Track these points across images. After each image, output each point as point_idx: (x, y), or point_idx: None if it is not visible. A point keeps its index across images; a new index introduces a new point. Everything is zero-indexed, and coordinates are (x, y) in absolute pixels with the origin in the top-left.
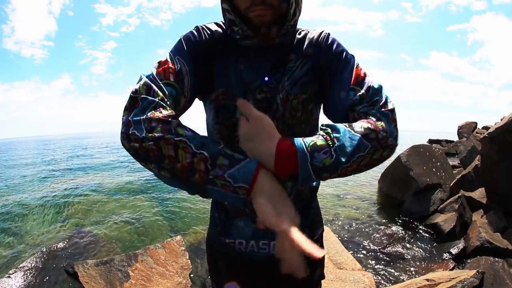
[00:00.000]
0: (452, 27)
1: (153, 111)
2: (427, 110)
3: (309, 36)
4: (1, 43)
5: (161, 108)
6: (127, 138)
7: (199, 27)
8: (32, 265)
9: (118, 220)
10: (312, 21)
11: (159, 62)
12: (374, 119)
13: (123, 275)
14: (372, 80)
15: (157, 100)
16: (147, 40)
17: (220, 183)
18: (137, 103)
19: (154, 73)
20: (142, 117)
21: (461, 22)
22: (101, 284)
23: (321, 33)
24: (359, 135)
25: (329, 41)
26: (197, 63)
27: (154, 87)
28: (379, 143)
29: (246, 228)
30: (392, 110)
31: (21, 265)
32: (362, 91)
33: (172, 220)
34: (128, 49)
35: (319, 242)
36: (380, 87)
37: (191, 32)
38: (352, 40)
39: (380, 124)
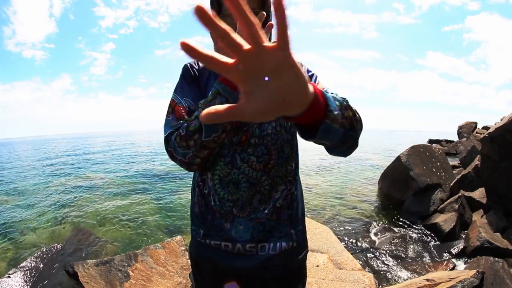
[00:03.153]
0: (447, 28)
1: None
2: (427, 110)
3: None
4: (3, 44)
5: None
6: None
7: (190, 63)
8: (32, 265)
9: (118, 220)
10: (306, 24)
11: (171, 106)
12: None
13: (123, 275)
14: (333, 91)
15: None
16: (146, 42)
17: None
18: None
19: (172, 119)
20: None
21: (456, 23)
22: (101, 284)
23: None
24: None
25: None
26: (198, 90)
27: (174, 131)
28: (352, 109)
29: (233, 230)
30: (347, 100)
31: (21, 265)
32: None
33: (172, 220)
34: (127, 51)
35: (302, 238)
36: (336, 94)
37: (185, 69)
38: (347, 41)
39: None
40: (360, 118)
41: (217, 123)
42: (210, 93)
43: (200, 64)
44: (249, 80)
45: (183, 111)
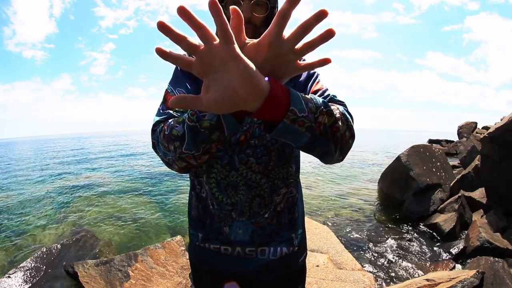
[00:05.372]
0: (447, 28)
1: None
2: (427, 110)
3: None
4: (3, 44)
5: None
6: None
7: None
8: (32, 265)
9: (118, 220)
10: None
11: (164, 97)
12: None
13: (123, 275)
14: (330, 91)
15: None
16: (145, 42)
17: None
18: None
19: (162, 108)
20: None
21: (456, 23)
22: (101, 284)
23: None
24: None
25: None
26: (194, 84)
27: (162, 121)
28: (340, 114)
29: (232, 234)
30: (345, 105)
31: (21, 265)
32: (320, 92)
33: (172, 220)
34: (127, 51)
35: (302, 241)
36: (335, 96)
37: None
38: (347, 41)
39: (339, 106)
40: (350, 126)
41: (199, 141)
42: None
43: None
44: (208, 75)
45: None
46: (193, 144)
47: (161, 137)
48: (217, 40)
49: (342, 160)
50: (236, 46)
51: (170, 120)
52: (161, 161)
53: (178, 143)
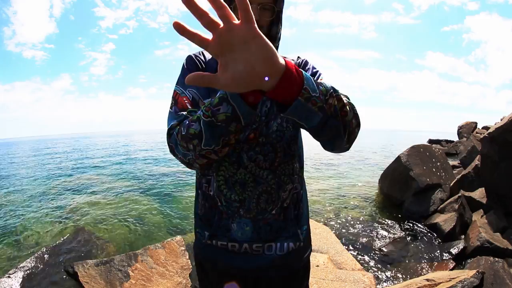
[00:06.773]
0: (447, 28)
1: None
2: (426, 110)
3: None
4: (3, 44)
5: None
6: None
7: (194, 54)
8: (32, 265)
9: (118, 220)
10: (306, 24)
11: (174, 99)
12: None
13: (123, 275)
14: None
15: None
16: (145, 42)
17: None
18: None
19: (174, 110)
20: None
21: (455, 23)
22: (101, 284)
23: (298, 57)
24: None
25: (306, 63)
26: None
27: (177, 123)
28: (347, 101)
29: (239, 231)
30: (349, 98)
31: (21, 265)
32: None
33: (172, 220)
34: (127, 51)
35: (307, 237)
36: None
37: (189, 60)
38: (347, 42)
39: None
40: (356, 114)
41: (218, 134)
42: (216, 95)
43: (206, 56)
44: (225, 54)
45: (186, 101)
46: (212, 139)
47: (179, 139)
48: (237, 20)
49: (348, 148)
50: (256, 26)
51: (185, 121)
52: (176, 164)
53: (196, 141)
